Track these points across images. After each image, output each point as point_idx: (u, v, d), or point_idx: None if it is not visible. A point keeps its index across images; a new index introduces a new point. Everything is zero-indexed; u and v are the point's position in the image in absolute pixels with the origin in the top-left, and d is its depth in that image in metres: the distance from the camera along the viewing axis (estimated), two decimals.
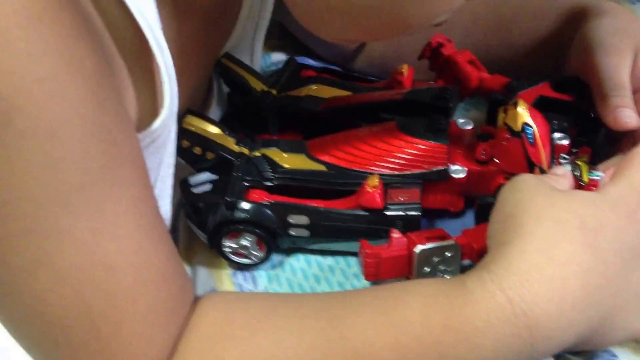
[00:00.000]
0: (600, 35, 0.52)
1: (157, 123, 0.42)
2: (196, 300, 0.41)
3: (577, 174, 0.48)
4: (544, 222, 0.38)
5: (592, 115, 0.53)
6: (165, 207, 0.46)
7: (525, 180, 0.42)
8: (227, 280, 0.49)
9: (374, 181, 0.47)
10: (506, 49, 0.59)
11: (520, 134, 0.46)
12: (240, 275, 0.50)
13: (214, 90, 0.57)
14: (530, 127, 0.46)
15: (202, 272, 0.50)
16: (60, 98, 0.33)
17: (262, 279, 0.49)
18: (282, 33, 0.68)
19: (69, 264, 0.35)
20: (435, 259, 0.44)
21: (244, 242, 0.49)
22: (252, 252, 0.49)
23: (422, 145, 0.48)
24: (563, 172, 0.44)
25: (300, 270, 0.50)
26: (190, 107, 0.51)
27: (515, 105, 0.47)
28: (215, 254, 0.50)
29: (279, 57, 0.69)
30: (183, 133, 0.50)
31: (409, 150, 0.48)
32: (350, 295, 0.42)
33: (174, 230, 0.52)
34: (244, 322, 0.39)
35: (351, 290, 0.46)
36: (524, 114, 0.46)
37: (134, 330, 0.37)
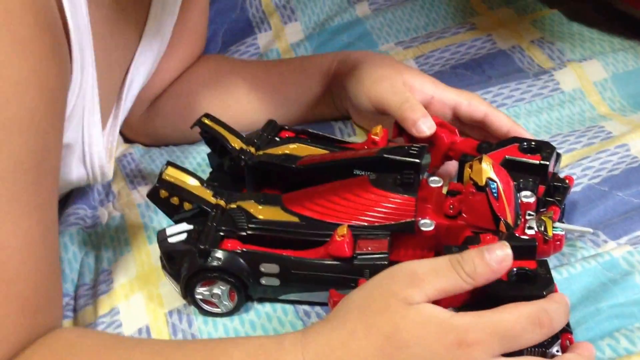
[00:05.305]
0: (369, 73, 0.62)
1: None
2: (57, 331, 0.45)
3: (542, 229, 0.49)
4: (365, 320, 0.41)
5: (558, 176, 0.55)
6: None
7: (397, 275, 0.42)
8: (161, 318, 0.51)
9: (343, 230, 0.48)
10: (290, 103, 0.69)
11: (485, 189, 0.48)
12: (175, 316, 0.51)
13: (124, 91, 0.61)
14: (494, 181, 0.48)
15: (139, 308, 0.52)
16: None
17: (198, 321, 0.51)
18: None
19: None
20: None
21: (216, 291, 0.50)
22: (223, 301, 0.50)
23: (391, 198, 0.50)
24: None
25: (237, 317, 0.51)
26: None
27: (480, 161, 0.48)
28: (153, 291, 0.53)
29: None
30: (162, 184, 0.51)
31: (379, 203, 0.50)
32: (184, 343, 0.46)
33: None
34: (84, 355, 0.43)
35: (188, 340, 0.49)
36: (487, 169, 0.48)
37: None
